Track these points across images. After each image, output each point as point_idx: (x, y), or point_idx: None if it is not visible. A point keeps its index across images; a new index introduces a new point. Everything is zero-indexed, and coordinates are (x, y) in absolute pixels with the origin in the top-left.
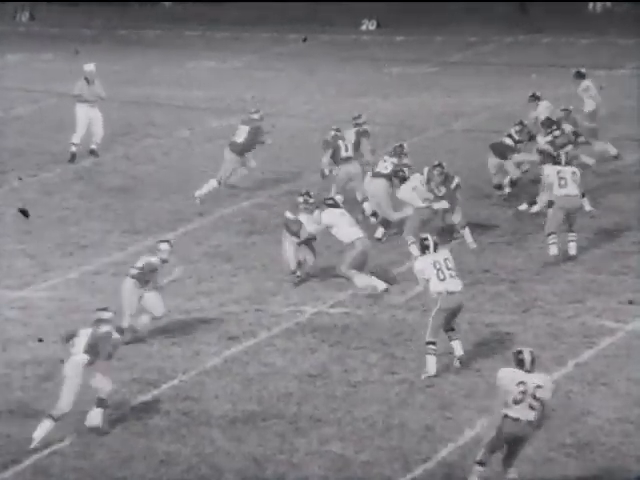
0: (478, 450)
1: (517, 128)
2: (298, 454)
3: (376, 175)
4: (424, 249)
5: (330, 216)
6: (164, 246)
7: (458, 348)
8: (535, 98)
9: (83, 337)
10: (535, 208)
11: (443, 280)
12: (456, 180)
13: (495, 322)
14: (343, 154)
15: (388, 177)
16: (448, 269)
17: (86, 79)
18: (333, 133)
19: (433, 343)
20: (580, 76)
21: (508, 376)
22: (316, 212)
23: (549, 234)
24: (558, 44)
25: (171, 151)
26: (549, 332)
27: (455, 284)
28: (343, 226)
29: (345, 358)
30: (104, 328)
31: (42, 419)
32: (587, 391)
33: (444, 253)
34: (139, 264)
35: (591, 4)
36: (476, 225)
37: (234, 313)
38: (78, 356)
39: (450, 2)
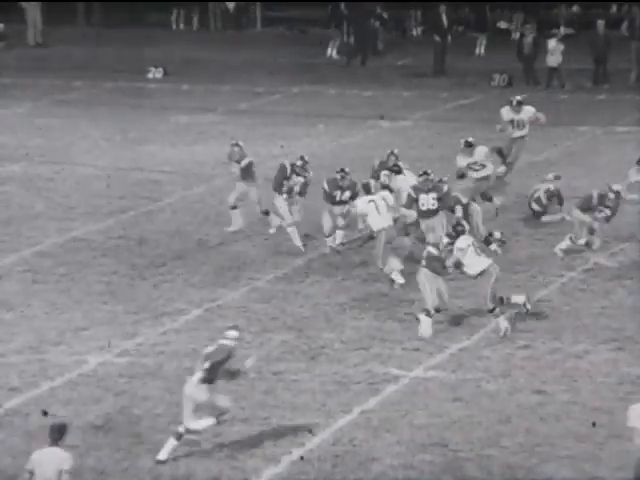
0: None
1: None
2: None
3: None
4: None
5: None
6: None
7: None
8: (469, 145)
9: None
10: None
11: None
12: None
13: (282, 370)
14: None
15: None
16: None
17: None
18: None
19: None
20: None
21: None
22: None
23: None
24: (343, 95)
25: None
26: (335, 379)
27: None
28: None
29: (131, 408)
30: None
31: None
32: (372, 437)
33: None
34: None
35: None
36: (262, 271)
37: (15, 364)
38: None
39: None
